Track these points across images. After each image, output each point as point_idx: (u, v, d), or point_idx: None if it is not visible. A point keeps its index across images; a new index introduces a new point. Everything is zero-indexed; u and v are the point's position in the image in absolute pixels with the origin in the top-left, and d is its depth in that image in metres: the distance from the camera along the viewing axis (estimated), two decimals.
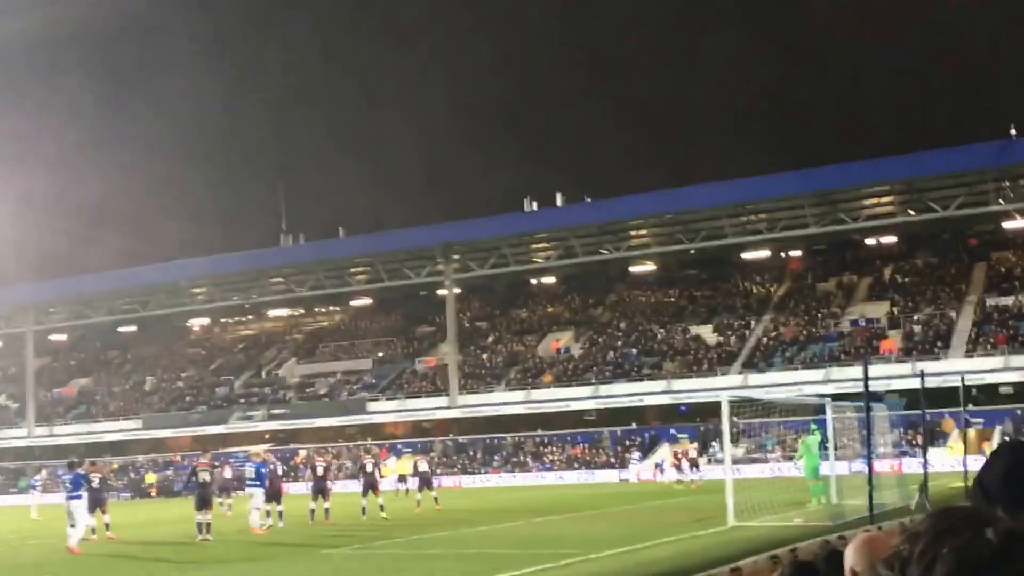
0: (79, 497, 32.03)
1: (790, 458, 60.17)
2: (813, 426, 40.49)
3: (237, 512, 40.99)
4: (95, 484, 36.65)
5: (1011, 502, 2.76)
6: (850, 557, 5.69)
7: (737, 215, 77.30)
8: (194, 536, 33.43)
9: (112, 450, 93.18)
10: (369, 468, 43.19)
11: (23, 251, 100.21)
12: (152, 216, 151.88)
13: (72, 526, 31.19)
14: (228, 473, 52.82)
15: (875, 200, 75.08)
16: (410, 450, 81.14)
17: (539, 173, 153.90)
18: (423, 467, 47.65)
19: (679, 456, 61.93)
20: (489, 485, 75.00)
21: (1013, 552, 1.93)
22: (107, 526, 36.39)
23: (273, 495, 38.14)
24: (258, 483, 37.60)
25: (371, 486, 42.40)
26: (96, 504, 36.13)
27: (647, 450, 75.10)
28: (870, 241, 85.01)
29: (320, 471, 41.25)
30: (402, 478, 60.16)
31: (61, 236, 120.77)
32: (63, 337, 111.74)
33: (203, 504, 34.16)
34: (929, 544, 1.98)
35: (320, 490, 40.68)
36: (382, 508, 41.39)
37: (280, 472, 39.60)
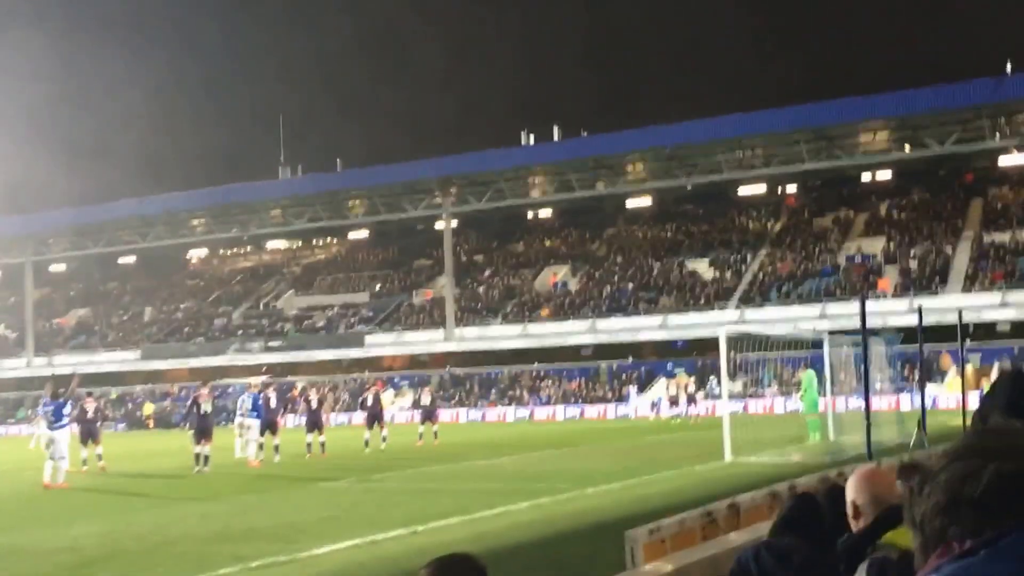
0: (63, 427, 31.26)
1: (787, 393, 60.03)
2: (807, 370, 40.20)
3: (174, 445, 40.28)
4: (89, 415, 36.28)
5: None
6: (851, 490, 5.38)
7: (733, 150, 76.95)
8: (191, 468, 33.24)
9: (110, 380, 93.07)
10: (371, 400, 43.12)
11: (23, 182, 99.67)
12: (151, 148, 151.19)
13: (52, 458, 30.36)
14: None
15: (871, 136, 74.71)
16: (406, 382, 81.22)
17: (537, 107, 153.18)
18: (426, 400, 47.14)
19: (677, 390, 61.74)
20: (486, 419, 74.97)
21: (998, 494, 1.77)
22: (99, 457, 36.06)
23: (269, 427, 37.85)
24: (255, 414, 37.32)
25: (374, 418, 42.36)
26: (88, 436, 35.79)
27: (644, 384, 75.01)
28: (866, 177, 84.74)
29: (313, 403, 40.96)
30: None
31: (61, 167, 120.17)
32: (62, 267, 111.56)
33: (202, 436, 33.87)
34: (942, 467, 1.87)
35: (314, 423, 40.39)
36: (384, 440, 41.35)
37: (274, 404, 39.12)
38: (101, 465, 35.56)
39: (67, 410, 32.07)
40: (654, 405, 69.31)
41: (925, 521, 1.82)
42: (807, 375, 39.12)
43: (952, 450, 1.90)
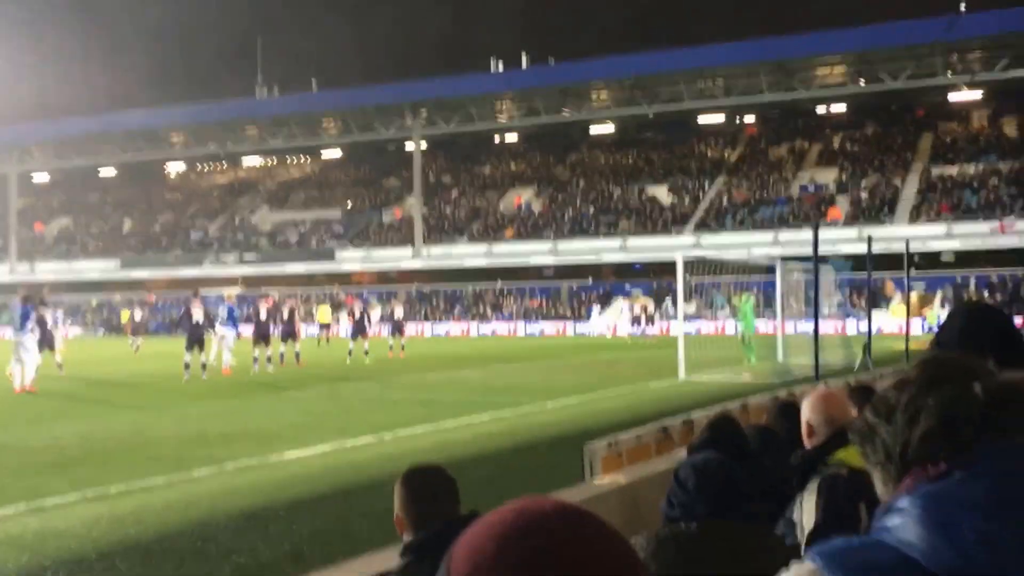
0: (27, 331, 30.65)
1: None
2: (745, 295, 40.23)
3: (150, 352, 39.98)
4: (47, 323, 35.32)
5: None
6: (806, 410, 5.45)
7: (695, 80, 76.70)
8: (181, 375, 32.73)
9: (91, 288, 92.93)
10: (357, 314, 43.23)
11: (8, 92, 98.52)
12: (133, 64, 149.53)
13: (18, 361, 29.93)
14: (138, 316, 53.52)
15: (828, 70, 74.60)
16: (375, 296, 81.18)
17: (506, 34, 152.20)
18: (398, 313, 47.33)
19: (638, 310, 61.89)
20: (450, 334, 75.17)
21: (999, 408, 1.78)
22: (59, 366, 35.87)
23: (262, 339, 37.60)
24: (230, 323, 37.21)
25: (359, 331, 42.55)
26: (45, 343, 34.78)
27: (604, 304, 75.23)
28: (821, 109, 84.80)
29: (286, 315, 40.91)
30: (324, 326, 58.72)
31: (45, 78, 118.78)
32: (45, 178, 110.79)
33: (193, 344, 33.47)
34: (916, 394, 1.84)
35: (289, 333, 40.40)
36: (366, 353, 41.55)
37: (264, 317, 38.50)
38: (60, 373, 35.20)
39: (32, 314, 31.38)
40: (613, 309, 69.46)
41: (908, 448, 1.81)
42: (745, 299, 39.16)
43: (911, 379, 1.90)
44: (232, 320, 37.23)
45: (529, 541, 1.36)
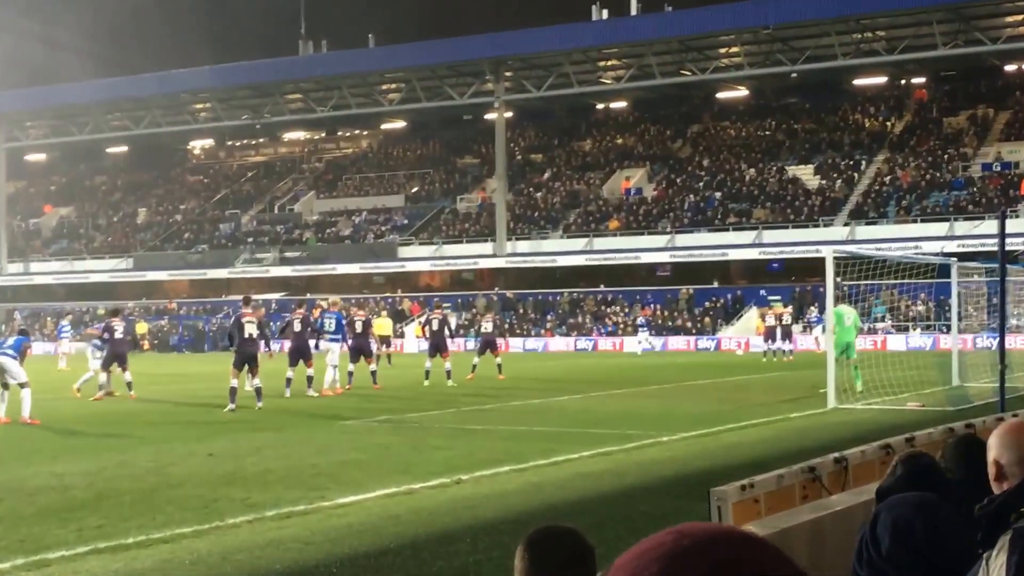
0: (14, 358, 31.11)
1: (904, 328, 59.84)
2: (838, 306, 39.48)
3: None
4: (117, 335, 37.14)
5: None
6: (995, 447, 5.46)
7: (849, 31, 76.22)
8: (223, 403, 32.64)
9: (97, 293, 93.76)
10: (436, 326, 43.26)
11: None
12: (149, 16, 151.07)
13: (4, 386, 30.32)
14: (120, 331, 54.35)
15: (1020, 16, 73.78)
16: (448, 305, 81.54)
17: None
18: (487, 326, 47.21)
19: (773, 321, 61.58)
20: (543, 349, 75.21)
21: None
22: (129, 385, 37.43)
23: (302, 355, 37.93)
24: (338, 337, 37.94)
25: (438, 347, 42.60)
26: (114, 360, 36.90)
27: (731, 315, 74.96)
28: (1011, 67, 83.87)
29: (359, 327, 41.16)
30: (385, 340, 58.36)
31: (42, 37, 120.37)
32: (41, 157, 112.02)
33: (243, 363, 33.15)
34: None
35: (359, 350, 40.69)
36: (449, 375, 41.69)
37: (298, 328, 38.83)
38: (132, 395, 36.87)
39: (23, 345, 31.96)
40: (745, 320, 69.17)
41: None
42: (836, 312, 38.26)
43: None
44: (340, 331, 38.18)
45: (693, 560, 1.38)
